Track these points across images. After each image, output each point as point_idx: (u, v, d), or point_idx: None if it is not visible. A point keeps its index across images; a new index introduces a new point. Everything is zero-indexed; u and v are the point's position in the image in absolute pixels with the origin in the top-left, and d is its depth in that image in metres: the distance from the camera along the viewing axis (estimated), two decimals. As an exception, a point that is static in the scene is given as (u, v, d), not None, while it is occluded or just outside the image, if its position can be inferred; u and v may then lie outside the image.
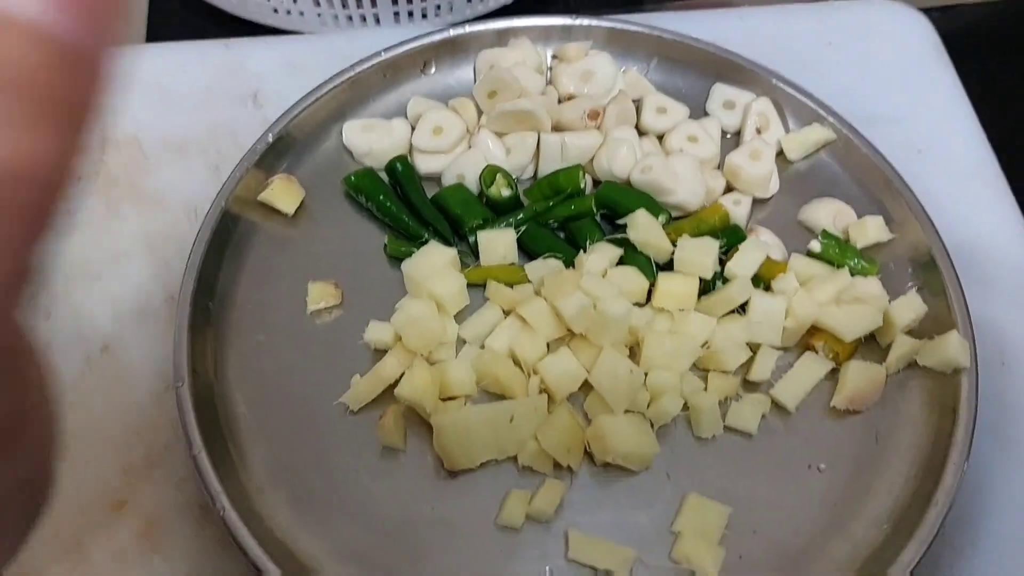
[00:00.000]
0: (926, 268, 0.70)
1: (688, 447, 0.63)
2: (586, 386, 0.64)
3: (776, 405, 0.65)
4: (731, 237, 0.70)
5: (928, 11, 0.91)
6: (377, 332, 0.66)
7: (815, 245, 0.71)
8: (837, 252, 0.70)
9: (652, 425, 0.63)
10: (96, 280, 0.71)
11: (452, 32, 0.79)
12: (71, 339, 0.68)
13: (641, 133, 0.77)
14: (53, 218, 0.19)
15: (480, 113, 0.78)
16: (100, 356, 0.68)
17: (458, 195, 0.72)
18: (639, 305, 0.67)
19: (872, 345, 0.67)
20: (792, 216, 0.74)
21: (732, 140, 0.79)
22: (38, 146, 0.18)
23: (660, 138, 0.77)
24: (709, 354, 0.65)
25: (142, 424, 0.65)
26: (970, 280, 0.69)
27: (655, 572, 0.59)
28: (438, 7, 0.89)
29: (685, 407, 0.63)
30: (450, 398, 0.64)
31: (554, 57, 0.82)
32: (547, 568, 0.59)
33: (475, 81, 0.80)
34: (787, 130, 0.78)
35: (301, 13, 0.89)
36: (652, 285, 0.68)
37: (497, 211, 0.73)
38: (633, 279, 0.67)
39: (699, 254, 0.67)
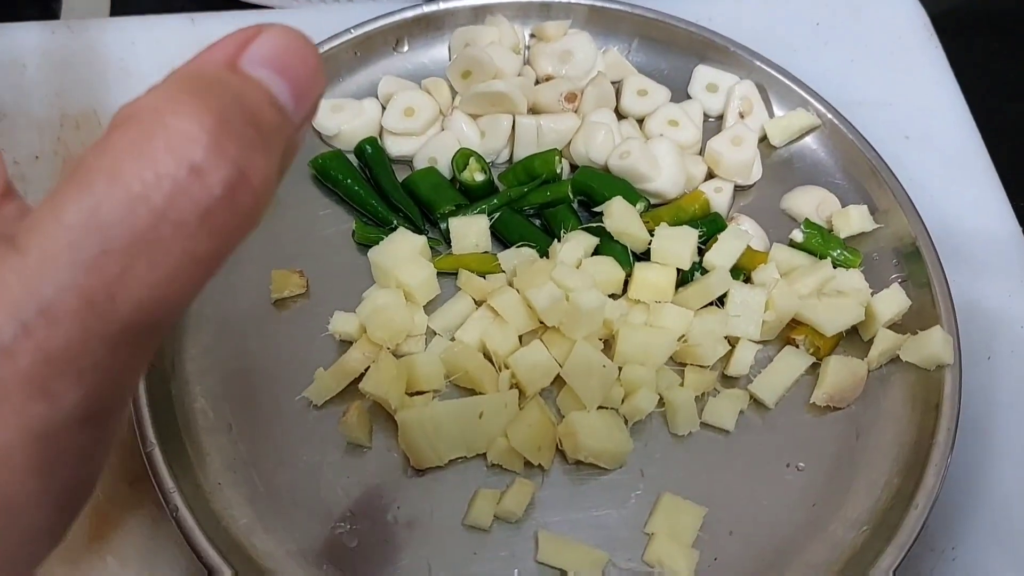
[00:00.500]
0: (911, 259, 0.68)
1: (663, 444, 0.62)
2: (559, 381, 0.62)
3: (754, 401, 0.63)
4: (711, 226, 0.68)
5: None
6: (342, 323, 0.63)
7: (797, 235, 0.69)
8: (820, 242, 0.68)
9: (626, 421, 0.61)
10: (50, 266, 0.68)
11: (426, 8, 0.76)
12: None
13: (620, 116, 0.75)
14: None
15: (454, 94, 0.75)
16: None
17: (429, 179, 0.70)
18: (614, 297, 0.65)
19: (854, 339, 0.66)
20: (775, 204, 0.72)
21: (715, 124, 0.76)
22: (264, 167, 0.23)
23: (640, 122, 0.75)
24: (686, 348, 0.63)
25: (97, 417, 0.62)
26: (956, 271, 0.67)
27: (627, 575, 0.57)
28: (413, -18, 0.86)
29: (660, 403, 0.62)
30: (417, 392, 0.62)
31: (532, 36, 0.79)
32: (515, 571, 0.57)
33: (449, 60, 0.77)
34: (771, 115, 0.75)
35: (270, -14, 0.86)
36: (628, 275, 0.65)
37: (470, 196, 0.70)
38: (609, 269, 0.65)
39: (677, 243, 0.65)
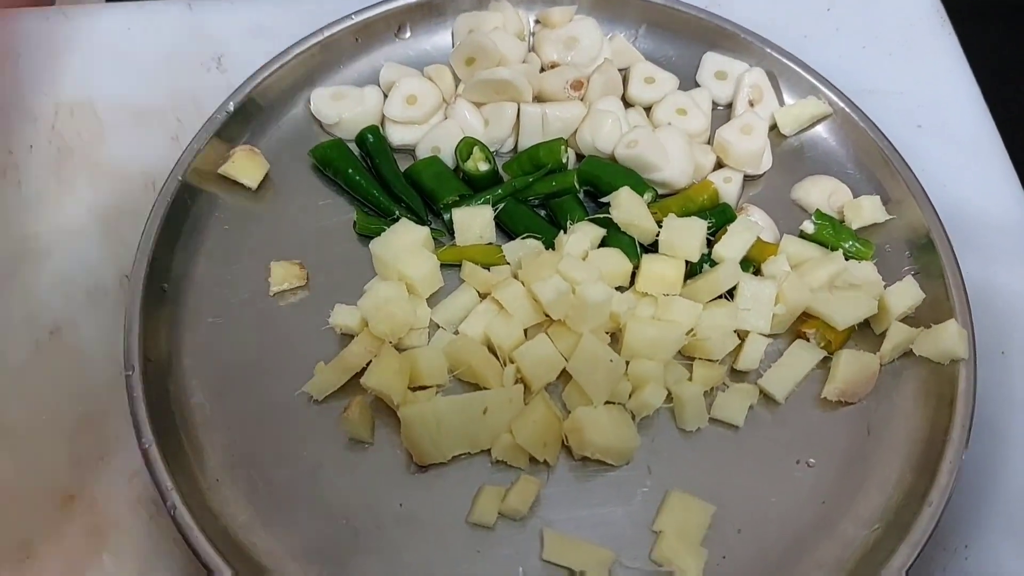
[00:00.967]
0: (924, 251, 0.66)
1: (671, 440, 0.60)
2: (564, 375, 0.60)
3: (764, 396, 0.62)
4: (720, 217, 0.67)
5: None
6: (343, 316, 0.62)
7: (808, 226, 0.67)
8: (831, 234, 0.67)
9: (633, 417, 0.60)
10: (46, 258, 0.67)
11: (428, -6, 0.75)
12: (18, 322, 0.65)
13: (627, 104, 0.73)
14: None
15: (457, 81, 0.74)
16: (49, 340, 0.64)
17: (432, 169, 0.68)
18: (621, 289, 0.64)
19: (866, 333, 0.64)
20: (785, 194, 0.71)
21: (724, 112, 0.75)
22: None
23: (647, 110, 0.73)
24: (694, 342, 0.61)
25: (94, 412, 0.61)
26: (970, 262, 0.65)
27: (634, 574, 0.56)
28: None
29: (668, 398, 0.60)
30: (420, 387, 0.60)
31: (537, 22, 0.77)
32: (520, 569, 0.56)
33: (453, 47, 0.75)
34: (781, 103, 0.74)
35: (269, -29, 0.85)
36: (636, 268, 0.64)
37: (474, 186, 0.69)
38: (616, 261, 0.63)
39: (686, 235, 0.64)
